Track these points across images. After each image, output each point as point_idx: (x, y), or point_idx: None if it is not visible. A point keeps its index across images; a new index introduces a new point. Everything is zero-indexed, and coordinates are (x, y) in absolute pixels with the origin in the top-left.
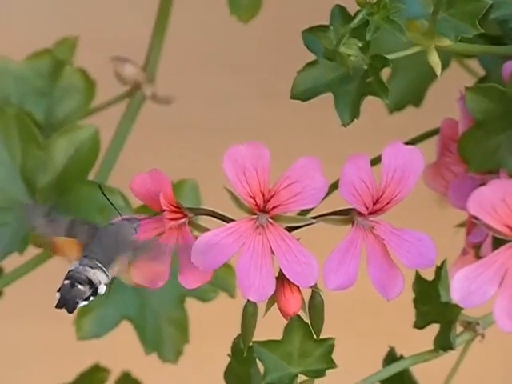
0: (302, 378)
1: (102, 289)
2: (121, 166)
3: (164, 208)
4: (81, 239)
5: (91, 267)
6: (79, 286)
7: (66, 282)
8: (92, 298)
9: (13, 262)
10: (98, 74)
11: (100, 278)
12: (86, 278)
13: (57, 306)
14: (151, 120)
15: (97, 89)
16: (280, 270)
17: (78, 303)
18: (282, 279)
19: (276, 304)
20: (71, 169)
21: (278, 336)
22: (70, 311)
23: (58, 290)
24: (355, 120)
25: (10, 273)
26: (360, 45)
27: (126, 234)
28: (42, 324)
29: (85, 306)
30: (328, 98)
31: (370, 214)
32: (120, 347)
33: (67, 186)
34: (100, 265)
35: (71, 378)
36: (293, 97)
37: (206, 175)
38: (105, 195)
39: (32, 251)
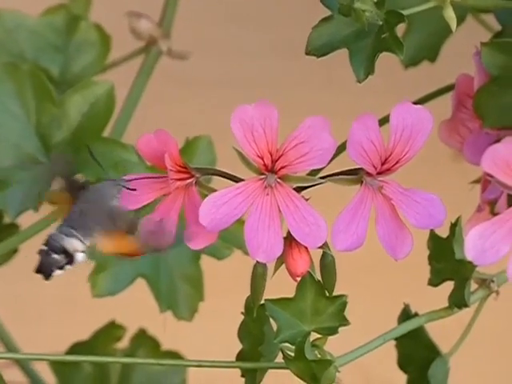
0: (314, 335)
1: (79, 257)
2: (136, 122)
3: (169, 168)
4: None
5: (67, 235)
6: (54, 255)
7: (43, 248)
8: (69, 266)
9: (28, 218)
10: (113, 29)
11: (76, 246)
12: (61, 246)
13: (35, 271)
14: (167, 75)
15: (112, 44)
16: (288, 230)
17: (52, 271)
18: (289, 240)
19: (284, 264)
20: (86, 125)
21: (290, 295)
22: (46, 279)
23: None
24: (370, 76)
25: (26, 230)
26: (375, 0)
27: (107, 198)
28: (57, 281)
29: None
30: (343, 53)
31: (379, 174)
32: (135, 305)
33: (82, 142)
34: (75, 233)
35: (87, 335)
36: (308, 52)
37: (222, 131)
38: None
39: (47, 208)
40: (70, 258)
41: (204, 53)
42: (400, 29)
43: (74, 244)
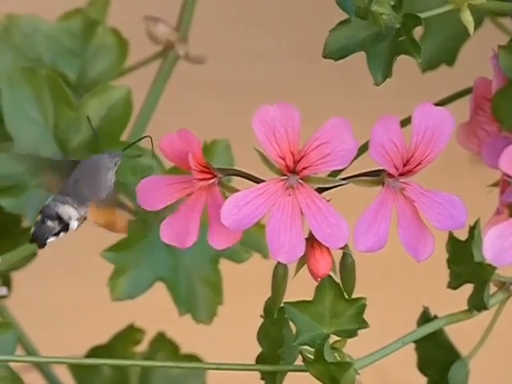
0: (334, 338)
1: (73, 224)
2: (154, 126)
3: (193, 168)
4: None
5: (62, 203)
6: (48, 222)
7: (38, 217)
8: (62, 234)
9: None
10: (130, 33)
11: (70, 213)
12: (56, 213)
13: (30, 242)
14: (184, 80)
15: (129, 49)
16: (310, 231)
17: (47, 238)
18: (311, 241)
19: (306, 265)
20: (103, 129)
21: (310, 297)
22: (40, 246)
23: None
24: (388, 79)
25: None
26: (392, 3)
27: (102, 169)
28: (77, 285)
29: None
30: (360, 56)
31: (401, 175)
32: (154, 308)
33: (99, 146)
34: (70, 200)
35: (106, 339)
36: (325, 56)
37: (239, 135)
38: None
39: None
40: (64, 225)
41: (222, 57)
42: (417, 32)
43: (68, 211)
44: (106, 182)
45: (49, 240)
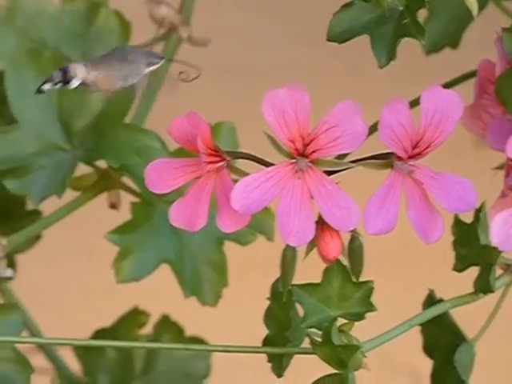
0: (341, 321)
1: (74, 82)
2: (157, 108)
3: (201, 151)
4: None
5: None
6: (54, 71)
7: None
8: (59, 86)
9: (51, 205)
10: (133, 16)
11: (78, 71)
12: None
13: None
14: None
15: (132, 31)
16: (319, 214)
17: (43, 84)
18: (321, 224)
19: (316, 248)
20: (108, 112)
21: (317, 280)
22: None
23: None
24: (392, 62)
25: (49, 216)
26: None
27: (131, 57)
28: (81, 267)
29: None
30: (364, 39)
31: (409, 158)
32: (159, 291)
33: (104, 129)
34: (86, 61)
35: (111, 322)
36: (329, 39)
37: (243, 118)
38: None
39: (71, 194)
40: (65, 79)
41: (225, 39)
42: (421, 15)
43: (77, 68)
44: (125, 72)
45: (43, 87)
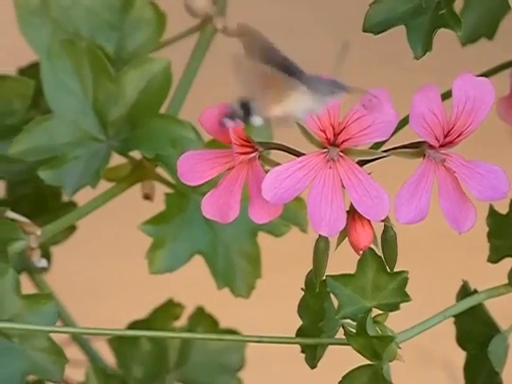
0: (376, 312)
1: (256, 119)
2: (192, 99)
3: (234, 142)
4: None
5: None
6: (233, 106)
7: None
8: (238, 121)
9: (86, 195)
10: (168, 6)
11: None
12: (246, 101)
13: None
14: (222, 53)
15: (167, 22)
16: (351, 204)
17: (224, 119)
18: (352, 213)
19: (347, 238)
20: (143, 102)
21: (351, 270)
22: (223, 126)
23: None
24: (428, 52)
25: (83, 207)
26: None
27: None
28: (115, 258)
29: None
30: (400, 30)
31: (441, 146)
32: (193, 283)
33: (139, 119)
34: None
35: (145, 314)
36: (365, 30)
37: None
38: None
39: (105, 185)
40: (246, 115)
41: (259, 30)
42: (457, 6)
43: (259, 108)
44: (309, 105)
45: (225, 122)
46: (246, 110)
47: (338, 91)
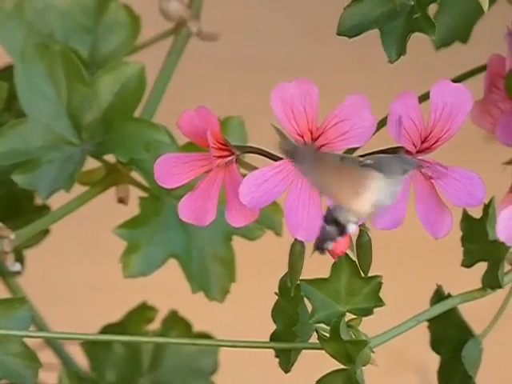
0: (349, 316)
1: (351, 227)
2: (166, 102)
3: (211, 145)
4: None
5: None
6: (327, 227)
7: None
8: (340, 238)
9: (60, 199)
10: (142, 10)
11: (348, 216)
12: (333, 217)
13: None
14: (196, 57)
15: (142, 25)
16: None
17: (325, 244)
18: None
19: None
20: (117, 106)
21: (325, 275)
22: (321, 252)
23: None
24: (402, 56)
25: (57, 210)
26: None
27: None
28: (89, 262)
29: None
30: (374, 34)
31: (418, 152)
32: (167, 286)
33: (113, 123)
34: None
35: (119, 317)
36: (339, 33)
37: (252, 112)
38: None
39: (79, 189)
40: (341, 229)
41: (234, 34)
42: (431, 9)
43: (346, 214)
44: (392, 189)
45: (326, 246)
46: (337, 223)
47: (409, 168)
